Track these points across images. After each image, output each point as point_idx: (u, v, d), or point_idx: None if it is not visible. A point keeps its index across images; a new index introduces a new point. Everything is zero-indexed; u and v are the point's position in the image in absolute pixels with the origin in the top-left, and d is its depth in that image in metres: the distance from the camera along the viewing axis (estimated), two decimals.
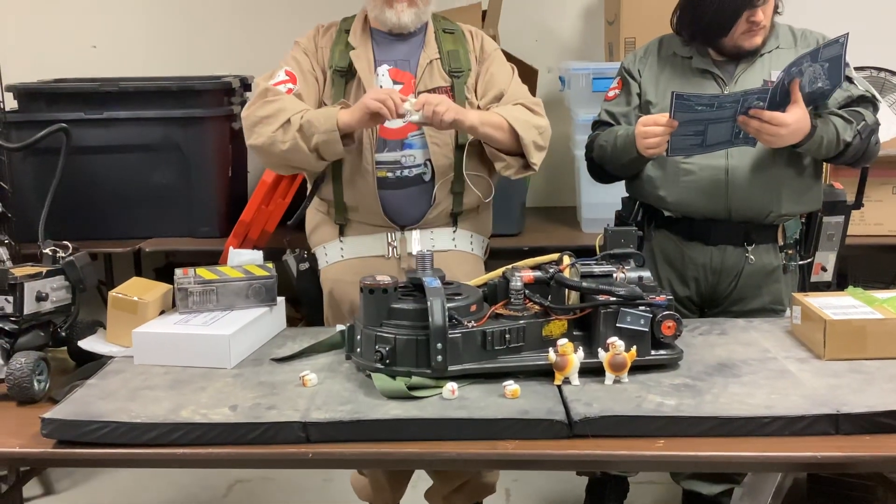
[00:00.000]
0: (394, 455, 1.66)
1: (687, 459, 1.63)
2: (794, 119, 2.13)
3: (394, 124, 2.28)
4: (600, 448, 1.62)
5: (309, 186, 2.44)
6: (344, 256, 2.40)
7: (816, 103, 2.24)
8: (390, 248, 2.36)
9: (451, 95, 2.33)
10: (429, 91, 2.31)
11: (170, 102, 3.20)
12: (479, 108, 2.37)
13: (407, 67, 2.36)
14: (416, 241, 2.36)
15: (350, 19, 2.44)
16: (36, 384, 1.87)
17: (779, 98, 2.12)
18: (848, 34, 2.13)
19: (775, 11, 2.30)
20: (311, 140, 2.20)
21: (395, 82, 2.34)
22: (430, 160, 2.33)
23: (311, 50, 2.39)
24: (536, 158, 2.34)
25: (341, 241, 2.38)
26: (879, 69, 3.27)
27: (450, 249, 2.40)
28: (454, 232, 2.42)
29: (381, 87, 2.32)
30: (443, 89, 2.34)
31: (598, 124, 2.49)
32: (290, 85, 2.31)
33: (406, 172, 2.33)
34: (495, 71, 2.40)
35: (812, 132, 2.18)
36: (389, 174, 2.32)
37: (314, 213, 2.48)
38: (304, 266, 2.38)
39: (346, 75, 2.34)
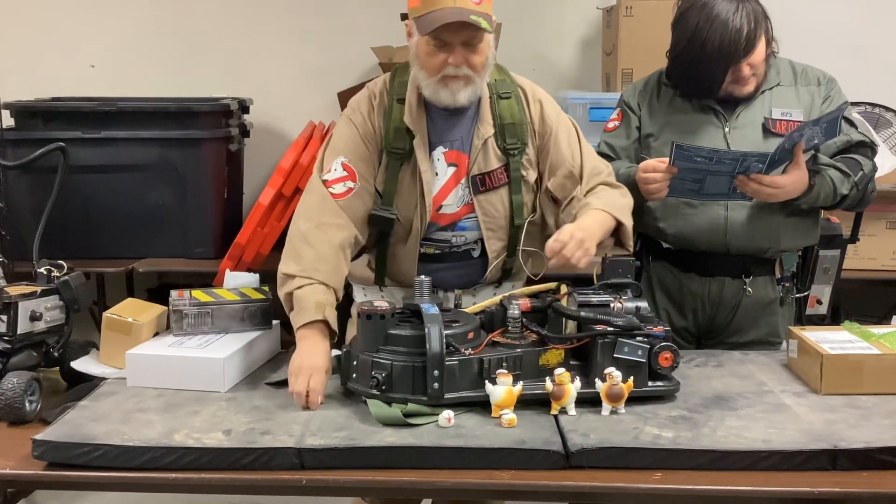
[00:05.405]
0: (389, 483, 1.65)
1: (684, 493, 1.62)
2: (791, 181, 2.18)
3: (449, 209, 2.16)
4: (597, 480, 1.61)
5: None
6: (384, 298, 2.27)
7: (811, 150, 2.26)
8: None
9: (506, 175, 2.16)
10: (483, 174, 2.14)
11: (167, 123, 3.19)
12: (539, 183, 2.20)
13: (461, 147, 2.16)
14: (455, 297, 2.23)
15: (401, 85, 2.16)
16: (27, 405, 1.86)
17: (777, 156, 2.14)
18: (848, 103, 2.27)
19: (772, 54, 2.30)
20: (287, 307, 2.04)
21: (449, 164, 2.17)
22: (482, 239, 2.20)
23: (370, 133, 2.17)
24: (631, 241, 2.18)
25: (382, 291, 2.29)
26: (874, 105, 3.30)
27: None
28: (497, 287, 2.29)
29: (436, 173, 2.15)
30: (497, 171, 2.16)
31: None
32: (350, 184, 2.13)
33: (454, 249, 2.20)
34: (563, 148, 2.19)
35: (809, 190, 2.21)
36: (436, 251, 2.20)
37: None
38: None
39: (402, 157, 2.16)
